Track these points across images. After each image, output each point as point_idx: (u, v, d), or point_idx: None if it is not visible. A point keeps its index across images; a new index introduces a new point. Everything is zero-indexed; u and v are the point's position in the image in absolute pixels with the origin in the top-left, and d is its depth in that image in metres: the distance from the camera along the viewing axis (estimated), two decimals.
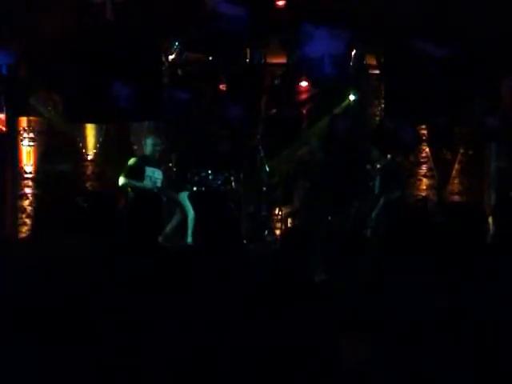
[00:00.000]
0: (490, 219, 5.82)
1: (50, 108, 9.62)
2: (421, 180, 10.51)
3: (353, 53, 8.90)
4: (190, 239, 8.19)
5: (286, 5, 8.52)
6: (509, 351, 2.72)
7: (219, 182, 8.65)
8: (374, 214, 7.55)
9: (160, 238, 8.17)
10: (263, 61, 9.61)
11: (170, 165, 8.92)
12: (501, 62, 8.68)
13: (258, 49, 9.42)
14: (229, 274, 3.33)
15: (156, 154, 8.27)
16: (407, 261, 3.27)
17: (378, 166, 8.38)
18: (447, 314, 2.86)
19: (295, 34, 8.27)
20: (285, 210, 9.44)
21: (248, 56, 9.35)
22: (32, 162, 9.62)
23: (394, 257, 3.38)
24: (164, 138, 9.03)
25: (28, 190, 9.59)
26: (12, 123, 9.26)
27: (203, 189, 8.42)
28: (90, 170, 10.11)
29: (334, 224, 7.29)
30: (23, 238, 8.85)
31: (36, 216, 9.15)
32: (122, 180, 8.02)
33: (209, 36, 7.88)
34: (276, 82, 10.18)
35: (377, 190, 8.06)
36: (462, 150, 10.43)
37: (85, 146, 10.07)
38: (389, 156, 9.40)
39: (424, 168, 10.49)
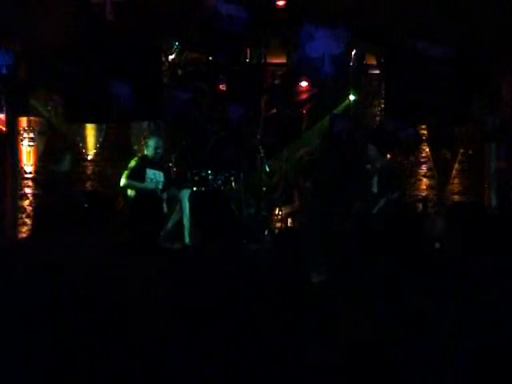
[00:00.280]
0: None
1: (49, 108, 9.63)
2: (421, 180, 10.52)
3: (353, 53, 8.91)
4: (187, 240, 8.17)
5: (285, 5, 8.52)
6: None
7: (219, 181, 8.65)
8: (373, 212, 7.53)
9: (161, 235, 8.14)
10: (263, 61, 9.62)
11: (170, 165, 8.92)
12: (501, 61, 8.69)
13: (258, 49, 9.43)
14: (229, 274, 3.33)
15: (157, 156, 8.28)
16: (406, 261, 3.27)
17: (377, 165, 8.37)
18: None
19: (295, 34, 8.27)
20: (285, 210, 9.44)
21: (248, 56, 9.36)
22: (32, 161, 9.62)
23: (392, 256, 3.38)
24: (164, 138, 9.04)
25: (28, 190, 9.59)
26: (12, 123, 9.26)
27: (203, 189, 8.42)
28: (89, 169, 10.12)
29: (333, 223, 7.28)
30: (23, 238, 8.84)
31: (35, 216, 9.13)
32: (123, 182, 8.02)
33: (209, 36, 7.88)
34: (276, 81, 10.20)
35: (375, 190, 8.05)
36: (462, 150, 10.43)
37: (85, 146, 10.07)
38: (388, 156, 9.42)
39: (424, 168, 10.50)
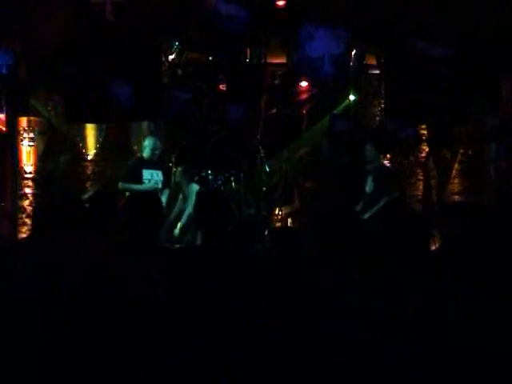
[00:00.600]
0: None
1: (49, 108, 9.63)
2: (421, 180, 10.51)
3: (353, 53, 8.91)
4: (177, 232, 8.16)
5: (285, 5, 8.53)
6: None
7: (219, 181, 8.65)
8: (367, 215, 7.46)
9: (176, 232, 8.15)
10: (263, 61, 9.62)
11: (170, 165, 8.91)
12: (501, 61, 8.69)
13: (258, 49, 9.43)
14: (229, 273, 3.33)
15: (154, 157, 8.15)
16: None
17: (374, 166, 8.35)
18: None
19: (295, 34, 8.27)
20: (285, 210, 9.44)
21: (248, 56, 9.36)
22: (32, 162, 9.63)
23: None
24: (164, 138, 9.03)
25: (28, 190, 9.59)
26: (12, 123, 9.26)
27: (203, 189, 8.41)
28: (89, 170, 10.13)
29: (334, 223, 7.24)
30: (23, 238, 8.84)
31: (35, 216, 9.13)
32: (120, 185, 7.98)
33: (209, 36, 7.88)
34: (276, 82, 10.19)
35: (369, 190, 8.01)
36: (461, 150, 10.44)
37: (85, 146, 10.08)
38: (388, 156, 9.42)
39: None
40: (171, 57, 9.23)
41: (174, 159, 9.02)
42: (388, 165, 10.00)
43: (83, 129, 9.97)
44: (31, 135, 9.61)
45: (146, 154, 8.17)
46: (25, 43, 8.33)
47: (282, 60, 9.55)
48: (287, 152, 9.96)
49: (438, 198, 10.26)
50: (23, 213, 9.48)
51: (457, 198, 10.27)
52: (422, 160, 10.52)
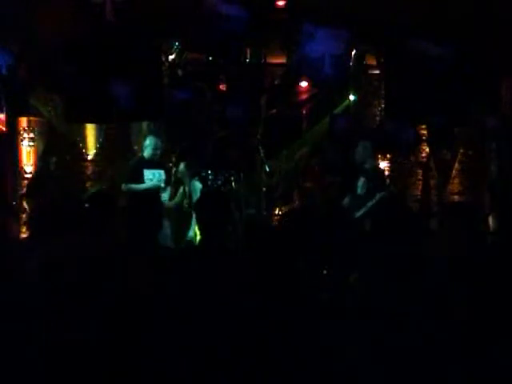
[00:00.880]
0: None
1: (49, 108, 9.63)
2: (420, 180, 10.52)
3: (353, 53, 8.90)
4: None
5: (286, 5, 8.52)
6: None
7: (219, 182, 8.64)
8: (358, 214, 7.39)
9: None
10: (263, 61, 9.63)
11: (171, 165, 8.91)
12: (501, 61, 8.69)
13: (258, 49, 9.43)
14: (229, 273, 3.33)
15: (155, 157, 8.08)
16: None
17: (367, 166, 8.28)
18: None
19: (295, 33, 8.27)
20: (285, 210, 9.43)
21: (248, 56, 9.36)
22: (32, 162, 9.63)
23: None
24: (164, 138, 9.02)
25: None
26: (12, 123, 9.26)
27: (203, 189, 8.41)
28: (89, 170, 10.13)
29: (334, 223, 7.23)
30: (23, 238, 8.84)
31: (33, 216, 9.13)
32: (123, 187, 7.94)
33: (209, 36, 7.87)
34: (276, 82, 10.19)
35: (359, 190, 7.94)
36: (462, 150, 10.44)
37: (85, 146, 10.08)
38: (388, 156, 9.41)
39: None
40: (171, 57, 9.23)
41: (174, 159, 9.03)
42: (383, 165, 9.99)
43: (83, 129, 9.97)
44: (31, 135, 9.62)
45: (147, 153, 8.06)
46: (25, 43, 8.32)
47: (282, 60, 9.55)
48: (287, 152, 9.96)
49: (438, 198, 10.27)
50: (23, 213, 9.48)
51: (457, 197, 10.28)
52: (422, 160, 10.53)
